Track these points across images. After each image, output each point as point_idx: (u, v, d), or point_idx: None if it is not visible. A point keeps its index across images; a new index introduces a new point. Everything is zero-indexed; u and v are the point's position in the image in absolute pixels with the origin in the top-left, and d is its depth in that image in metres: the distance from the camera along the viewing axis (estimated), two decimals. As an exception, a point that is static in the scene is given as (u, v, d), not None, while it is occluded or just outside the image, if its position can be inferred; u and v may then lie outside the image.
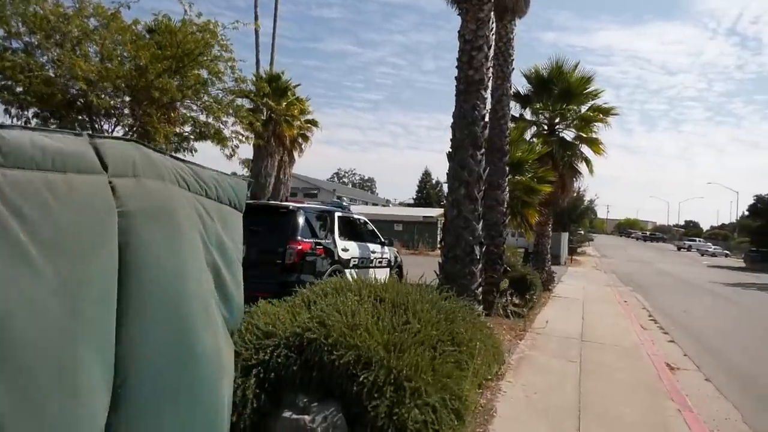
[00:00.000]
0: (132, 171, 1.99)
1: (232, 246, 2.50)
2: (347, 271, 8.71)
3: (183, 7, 19.59)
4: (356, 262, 9.06)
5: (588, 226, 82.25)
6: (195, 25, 19.29)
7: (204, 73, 20.43)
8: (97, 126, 20.44)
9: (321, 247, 8.01)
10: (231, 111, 21.11)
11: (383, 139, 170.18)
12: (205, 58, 19.83)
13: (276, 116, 27.45)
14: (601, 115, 15.13)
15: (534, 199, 13.24)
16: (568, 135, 15.91)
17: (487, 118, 7.33)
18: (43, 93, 18.21)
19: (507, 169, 10.44)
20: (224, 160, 21.90)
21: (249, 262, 8.03)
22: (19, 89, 18.41)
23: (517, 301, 11.16)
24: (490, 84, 10.65)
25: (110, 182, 1.90)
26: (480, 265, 7.26)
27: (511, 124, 13.21)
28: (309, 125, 30.83)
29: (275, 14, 32.17)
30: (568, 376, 6.28)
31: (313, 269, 7.88)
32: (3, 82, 18.29)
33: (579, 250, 40.91)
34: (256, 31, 29.55)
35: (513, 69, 10.58)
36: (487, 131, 7.32)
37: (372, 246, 9.94)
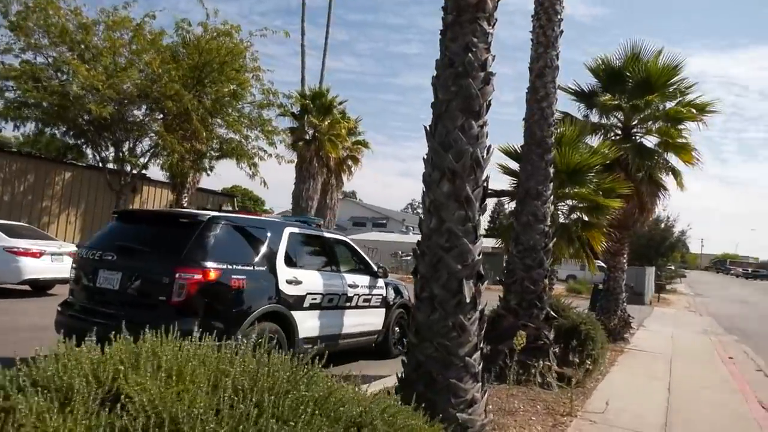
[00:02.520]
0: None
1: None
2: (298, 314, 5.91)
3: (205, 11, 18.25)
4: (316, 301, 6.24)
5: (679, 260, 74.40)
6: (216, 31, 17.66)
7: (231, 86, 18.76)
8: (124, 146, 19.12)
9: (242, 276, 5.27)
10: (254, 125, 19.17)
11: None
12: (230, 68, 18.11)
13: (319, 135, 25.43)
14: (694, 112, 11.55)
15: (599, 219, 9.89)
16: (649, 141, 12.40)
17: (490, 68, 4.41)
18: (56, 105, 17.06)
19: (551, 171, 7.33)
20: (251, 180, 19.91)
21: (122, 298, 5.42)
22: (44, 104, 17.45)
23: (574, 360, 7.83)
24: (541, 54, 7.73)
25: None
26: (476, 314, 4.26)
27: (563, 128, 10.11)
28: (359, 146, 28.60)
29: (327, 28, 30.63)
30: None
31: (225, 312, 5.15)
32: (29, 100, 17.34)
33: (668, 287, 35.60)
34: (302, 48, 28.01)
35: (562, 32, 7.53)
36: (491, 88, 4.38)
37: (352, 278, 7.09)
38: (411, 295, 8.65)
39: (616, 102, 11.65)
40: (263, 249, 5.69)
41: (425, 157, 4.45)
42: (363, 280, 7.28)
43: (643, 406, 6.37)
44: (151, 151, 18.73)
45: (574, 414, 5.67)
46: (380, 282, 7.67)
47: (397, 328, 8.19)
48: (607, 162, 11.27)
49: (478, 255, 4.30)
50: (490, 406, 5.57)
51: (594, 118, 12.43)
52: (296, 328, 5.84)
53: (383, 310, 7.71)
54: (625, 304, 12.50)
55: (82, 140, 19.63)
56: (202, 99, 17.19)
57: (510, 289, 7.07)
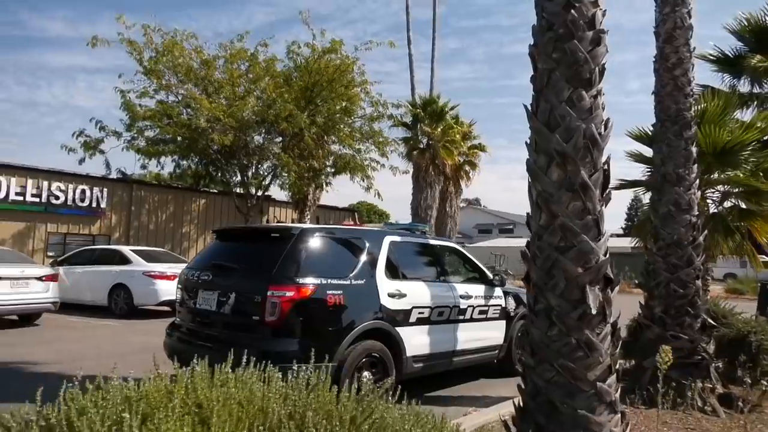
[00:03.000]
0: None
1: None
2: (404, 330, 5.41)
3: (311, 32, 18.68)
4: (423, 315, 5.68)
5: None
6: (323, 50, 17.98)
7: (342, 103, 19.01)
8: (249, 170, 20.16)
9: (339, 292, 4.88)
10: (365, 138, 19.18)
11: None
12: (339, 84, 18.36)
13: (433, 142, 25.02)
14: None
15: (763, 205, 8.28)
16: (820, 107, 10.29)
17: (601, 25, 3.62)
18: (187, 139, 18.37)
19: (694, 151, 6.14)
20: (366, 193, 20.01)
21: (221, 319, 4.44)
22: (178, 138, 18.98)
23: (744, 377, 6.42)
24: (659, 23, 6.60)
25: None
26: (607, 327, 3.45)
27: (705, 103, 8.66)
28: (475, 151, 27.75)
29: (433, 35, 30.19)
30: None
31: (322, 331, 4.79)
32: (166, 136, 18.97)
33: None
34: (410, 57, 27.86)
35: (691, -15, 6.35)
36: (603, 49, 3.58)
37: (464, 288, 6.44)
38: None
39: (771, 67, 9.81)
40: (361, 261, 5.28)
41: (528, 141, 3.76)
42: (477, 289, 6.61)
43: None
44: (272, 173, 19.48)
45: (750, 448, 4.52)
46: (498, 291, 6.94)
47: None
48: (766, 137, 9.53)
49: (604, 254, 3.50)
50: (637, 438, 4.65)
51: (743, 87, 10.62)
52: (403, 346, 5.35)
53: (503, 322, 6.96)
54: (804, 305, 10.41)
55: (213, 168, 21.03)
56: (315, 118, 17.51)
57: (653, 294, 5.99)
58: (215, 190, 22.21)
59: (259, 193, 20.05)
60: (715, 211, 8.56)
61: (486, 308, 6.67)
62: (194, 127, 17.15)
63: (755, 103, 10.54)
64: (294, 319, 4.64)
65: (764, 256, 11.79)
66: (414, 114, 25.41)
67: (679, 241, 5.86)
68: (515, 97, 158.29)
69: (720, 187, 8.91)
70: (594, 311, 3.32)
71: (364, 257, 5.32)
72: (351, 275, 5.10)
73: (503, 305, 6.98)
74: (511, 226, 64.23)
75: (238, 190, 20.36)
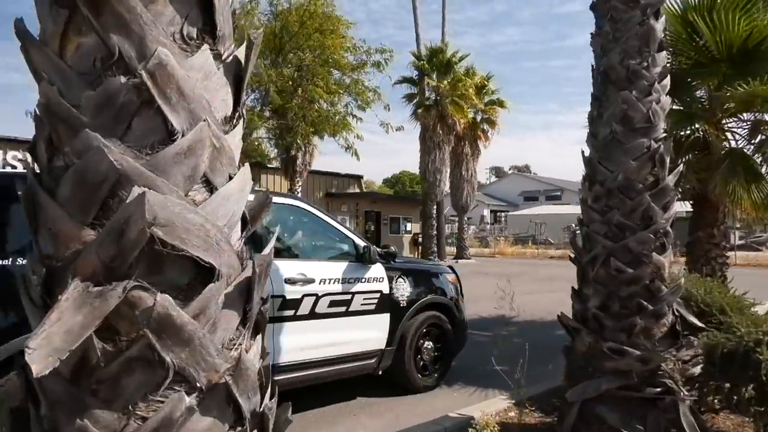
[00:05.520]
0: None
1: None
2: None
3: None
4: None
5: None
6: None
7: (324, 52, 16.55)
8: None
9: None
10: (346, 90, 16.64)
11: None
12: (312, 29, 15.95)
13: (441, 98, 22.30)
14: None
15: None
16: None
17: None
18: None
19: (658, 28, 3.55)
20: (345, 152, 17.50)
21: None
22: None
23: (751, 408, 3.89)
24: None
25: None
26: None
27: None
28: (493, 107, 24.80)
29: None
30: None
31: None
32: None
33: None
34: (413, 1, 24.87)
35: None
36: None
37: (301, 266, 4.20)
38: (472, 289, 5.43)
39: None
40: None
41: None
42: (330, 269, 4.35)
43: None
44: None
45: None
46: (376, 270, 4.65)
47: (428, 342, 5.09)
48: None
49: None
50: None
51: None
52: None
53: (385, 315, 4.67)
54: None
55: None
56: (282, 69, 15.26)
57: (586, 275, 3.56)
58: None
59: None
60: (735, 146, 5.87)
61: (349, 296, 4.41)
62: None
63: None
64: None
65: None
66: (419, 67, 22.62)
67: (627, 184, 3.37)
68: (569, 59, 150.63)
69: (748, 115, 6.19)
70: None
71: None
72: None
73: (386, 291, 4.68)
74: (558, 193, 60.80)
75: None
